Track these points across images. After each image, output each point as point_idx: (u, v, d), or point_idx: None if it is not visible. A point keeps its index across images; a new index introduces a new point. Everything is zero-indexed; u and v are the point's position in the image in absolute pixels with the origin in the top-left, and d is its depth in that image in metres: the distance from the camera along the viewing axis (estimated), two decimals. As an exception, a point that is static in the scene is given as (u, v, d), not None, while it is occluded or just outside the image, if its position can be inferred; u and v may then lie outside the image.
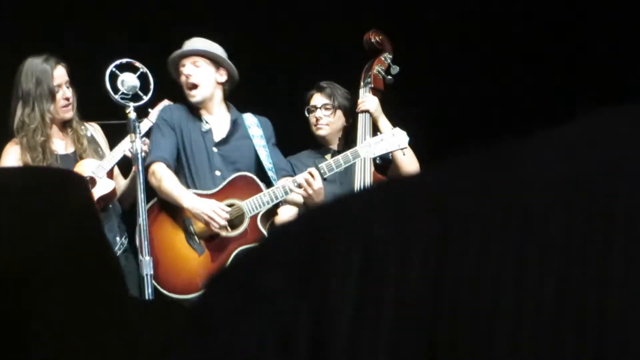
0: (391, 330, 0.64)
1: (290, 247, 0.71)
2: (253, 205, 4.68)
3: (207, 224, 4.63)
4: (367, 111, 4.93)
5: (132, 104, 4.41)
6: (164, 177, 4.70)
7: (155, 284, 4.41)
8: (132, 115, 4.39)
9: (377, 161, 4.90)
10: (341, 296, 0.65)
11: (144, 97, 4.50)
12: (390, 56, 5.00)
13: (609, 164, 0.66)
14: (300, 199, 4.72)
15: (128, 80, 4.47)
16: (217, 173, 4.80)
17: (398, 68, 4.95)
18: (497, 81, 5.86)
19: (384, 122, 4.92)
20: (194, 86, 4.80)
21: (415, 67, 5.37)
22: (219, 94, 4.90)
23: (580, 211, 0.64)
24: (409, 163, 4.80)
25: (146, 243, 4.27)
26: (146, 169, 4.60)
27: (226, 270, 0.75)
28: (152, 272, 4.24)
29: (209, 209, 4.61)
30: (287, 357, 0.65)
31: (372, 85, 4.98)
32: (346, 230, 0.69)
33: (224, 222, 4.63)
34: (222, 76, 4.87)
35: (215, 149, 4.83)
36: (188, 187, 4.74)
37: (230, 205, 4.69)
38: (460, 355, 0.62)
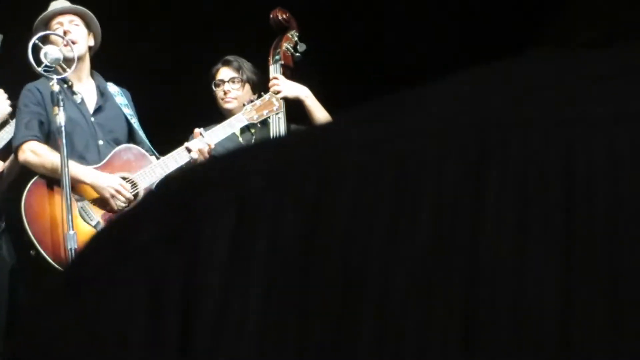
0: (263, 285, 0.58)
1: (163, 202, 0.65)
2: (146, 177, 4.37)
3: (111, 198, 4.28)
4: (285, 97, 4.74)
5: (55, 77, 4.21)
6: (47, 153, 4.29)
7: (56, 265, 4.06)
8: (56, 87, 4.16)
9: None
10: (212, 249, 0.59)
11: (68, 69, 4.29)
12: (297, 34, 4.90)
13: (493, 113, 0.61)
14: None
15: (51, 53, 4.24)
16: (100, 142, 4.46)
17: (305, 46, 4.86)
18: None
19: (311, 100, 4.74)
20: (74, 42, 4.43)
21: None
22: (87, 59, 4.56)
23: (456, 160, 0.58)
24: (320, 119, 4.69)
25: (70, 217, 3.99)
26: (16, 150, 4.31)
27: (101, 229, 0.69)
28: (76, 246, 3.93)
29: (116, 184, 4.28)
30: (157, 312, 0.59)
31: (283, 62, 4.83)
32: (220, 183, 0.63)
33: (130, 196, 4.31)
34: (91, 40, 4.56)
35: (92, 119, 4.48)
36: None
37: (123, 179, 4.38)
38: (329, 309, 0.57)
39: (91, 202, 4.25)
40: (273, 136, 4.59)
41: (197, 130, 4.48)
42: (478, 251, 0.56)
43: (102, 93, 4.55)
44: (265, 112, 4.62)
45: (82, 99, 4.48)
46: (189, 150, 4.39)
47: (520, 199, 0.57)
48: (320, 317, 0.57)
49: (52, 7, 4.53)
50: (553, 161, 0.58)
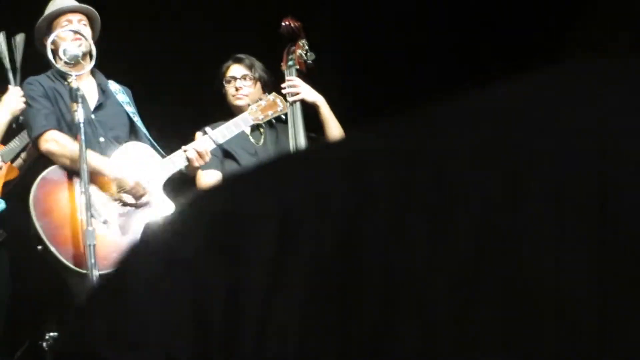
0: (305, 292, 0.61)
1: (206, 214, 0.68)
2: (154, 176, 4.29)
3: (131, 192, 4.21)
4: (302, 100, 4.70)
5: (74, 73, 4.11)
6: (69, 143, 4.15)
7: (65, 261, 3.97)
8: (75, 84, 4.06)
9: (311, 134, 4.70)
10: (256, 260, 0.62)
11: (86, 66, 4.23)
12: (307, 42, 4.91)
13: (523, 131, 0.64)
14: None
15: (70, 50, 4.18)
16: (101, 139, 4.31)
17: (314, 55, 4.86)
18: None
19: (326, 109, 4.71)
20: (81, 39, 4.31)
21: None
22: (89, 57, 4.35)
23: (495, 173, 0.62)
24: (333, 128, 4.69)
25: (88, 213, 3.88)
26: (36, 140, 4.21)
27: (143, 239, 0.71)
28: (94, 243, 3.83)
29: (134, 179, 4.21)
30: (202, 323, 0.62)
31: (298, 67, 4.79)
32: (262, 196, 0.66)
33: (145, 193, 4.22)
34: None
35: (93, 116, 4.32)
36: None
37: None
38: (369, 314, 0.60)
39: (99, 199, 4.17)
40: (292, 139, 4.62)
41: (198, 133, 4.46)
42: (518, 259, 0.59)
43: (103, 91, 4.44)
44: (270, 112, 4.60)
45: (83, 97, 4.31)
46: (187, 150, 4.32)
47: (557, 205, 0.60)
48: (360, 321, 0.60)
49: (61, 4, 4.47)
50: (587, 171, 0.60)
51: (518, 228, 0.60)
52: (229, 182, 0.76)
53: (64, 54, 4.17)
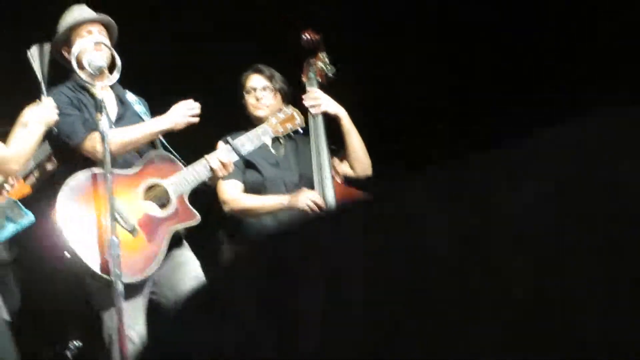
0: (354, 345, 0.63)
1: (258, 268, 0.69)
2: (178, 184, 4.26)
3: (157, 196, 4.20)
4: (324, 112, 4.69)
5: (98, 84, 4.10)
6: (118, 132, 4.18)
7: (92, 268, 3.95)
8: (99, 95, 4.04)
9: (332, 147, 4.68)
10: (307, 318, 0.64)
11: (110, 76, 4.18)
12: (327, 55, 4.89)
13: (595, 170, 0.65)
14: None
15: (95, 60, 4.15)
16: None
17: (335, 68, 4.85)
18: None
19: (347, 121, 4.70)
20: (102, 50, 4.26)
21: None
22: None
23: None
24: (355, 140, 4.69)
25: (113, 223, 3.87)
26: (81, 143, 4.18)
27: (197, 290, 0.73)
28: (119, 252, 3.84)
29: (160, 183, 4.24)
30: None
31: (319, 79, 4.79)
32: (312, 255, 0.67)
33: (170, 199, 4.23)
34: None
35: (114, 127, 4.25)
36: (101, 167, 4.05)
37: (153, 185, 4.25)
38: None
39: (128, 207, 4.14)
40: (315, 148, 4.62)
41: (220, 143, 4.44)
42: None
43: (121, 102, 4.40)
44: (289, 125, 4.58)
45: (105, 107, 4.21)
46: (212, 168, 4.30)
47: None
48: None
49: (80, 14, 4.43)
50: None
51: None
52: (276, 237, 0.77)
53: (89, 64, 4.15)
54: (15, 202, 4.11)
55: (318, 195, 4.47)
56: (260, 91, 4.75)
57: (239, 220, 4.64)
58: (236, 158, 4.39)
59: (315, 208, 4.42)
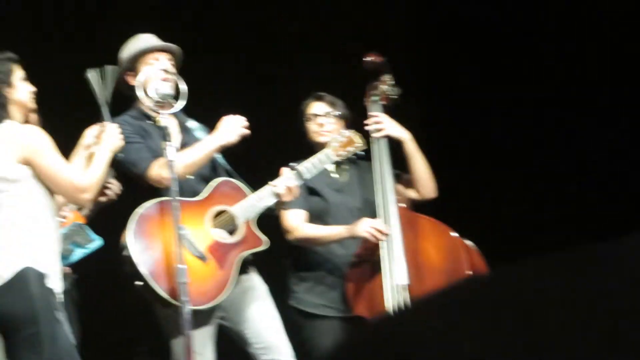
0: None
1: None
2: (245, 210, 4.25)
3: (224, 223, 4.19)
4: (387, 136, 4.64)
5: (164, 112, 4.08)
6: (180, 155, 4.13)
7: (165, 296, 3.95)
8: (164, 122, 4.04)
9: (396, 171, 4.64)
10: None
11: (175, 105, 4.14)
12: (392, 78, 4.84)
13: None
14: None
15: (161, 88, 4.12)
16: (190, 177, 4.26)
17: (399, 90, 4.79)
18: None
19: (411, 145, 4.64)
20: (168, 79, 4.24)
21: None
22: None
23: None
24: (419, 164, 4.63)
25: (180, 251, 3.86)
26: (146, 171, 4.18)
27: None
28: (187, 280, 3.83)
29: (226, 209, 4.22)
30: None
31: (382, 102, 4.74)
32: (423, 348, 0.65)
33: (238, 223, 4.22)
34: None
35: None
36: (167, 195, 4.06)
37: (221, 212, 4.24)
38: None
39: (197, 234, 4.13)
40: (378, 173, 4.56)
41: (284, 169, 4.38)
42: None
43: (184, 129, 4.38)
44: (350, 148, 4.56)
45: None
46: (278, 194, 4.27)
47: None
48: None
49: (147, 41, 4.43)
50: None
51: None
52: (383, 331, 0.77)
53: (156, 92, 4.14)
54: (82, 227, 4.10)
55: (379, 222, 4.42)
56: (323, 118, 4.73)
57: (304, 248, 4.62)
58: (301, 182, 4.37)
59: (378, 235, 4.36)
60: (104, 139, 4.01)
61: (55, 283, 3.77)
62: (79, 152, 4.02)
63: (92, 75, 4.13)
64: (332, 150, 4.53)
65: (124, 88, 4.37)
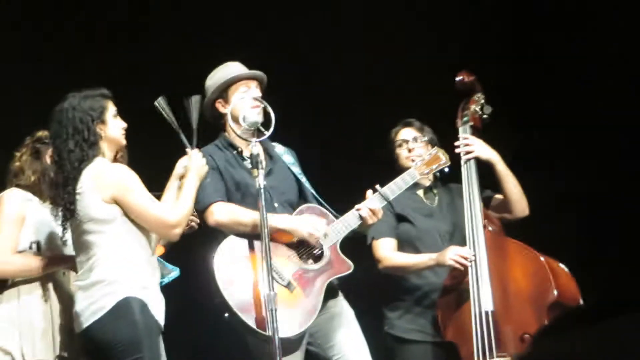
0: None
1: None
2: (330, 235, 4.20)
3: (309, 237, 4.12)
4: (476, 157, 4.55)
5: (254, 140, 4.06)
6: (237, 209, 4.14)
7: (252, 326, 3.94)
8: (255, 150, 3.98)
9: (484, 194, 4.57)
10: None
11: (265, 132, 4.10)
12: (483, 96, 4.74)
13: None
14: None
15: (250, 116, 4.13)
16: (276, 205, 4.20)
17: (491, 108, 4.69)
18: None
19: (501, 166, 4.56)
20: (257, 107, 4.23)
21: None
22: None
23: None
24: (511, 186, 4.54)
25: (270, 277, 3.80)
26: (204, 212, 4.17)
27: None
28: (276, 307, 3.76)
29: (310, 223, 4.15)
30: None
31: (472, 123, 4.66)
32: None
33: (320, 235, 4.15)
34: None
35: (265, 183, 4.05)
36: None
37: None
38: None
39: (281, 262, 4.09)
40: (467, 197, 4.46)
41: (368, 192, 4.30)
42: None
43: (270, 156, 4.33)
44: (434, 166, 4.54)
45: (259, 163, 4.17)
46: (360, 209, 4.21)
47: None
48: None
49: (237, 69, 4.38)
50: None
51: None
52: None
53: (244, 120, 4.14)
54: (158, 259, 4.11)
55: (465, 249, 4.34)
56: (412, 142, 4.72)
57: (394, 277, 4.61)
58: (384, 203, 4.33)
59: (463, 262, 4.30)
60: (189, 167, 4.01)
61: (157, 312, 3.79)
62: (172, 183, 4.04)
63: (160, 103, 4.09)
64: (415, 170, 4.50)
65: (211, 116, 4.38)
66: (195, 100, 4.14)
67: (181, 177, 4.04)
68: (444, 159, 4.56)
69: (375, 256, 4.59)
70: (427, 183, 4.76)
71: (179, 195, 3.96)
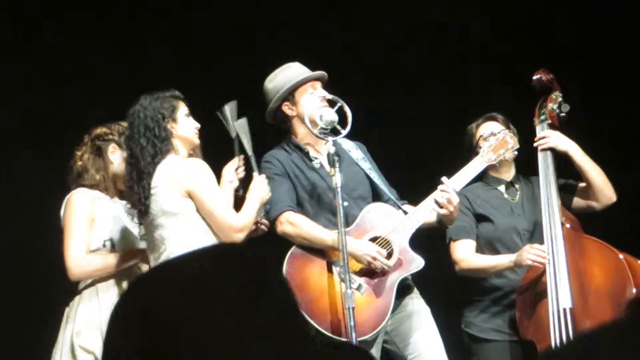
0: None
1: None
2: (398, 232, 4.12)
3: (369, 265, 4.05)
4: (553, 148, 4.43)
5: (331, 138, 4.03)
6: (303, 223, 4.10)
7: (325, 331, 3.92)
8: (332, 149, 3.98)
9: (567, 182, 4.48)
10: None
11: (342, 130, 4.08)
12: (561, 94, 4.62)
13: None
14: (433, 218, 4.21)
15: (326, 115, 4.09)
16: (345, 204, 4.08)
17: (569, 106, 4.57)
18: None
19: (580, 155, 4.43)
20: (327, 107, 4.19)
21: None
22: None
23: None
24: (592, 173, 4.41)
25: (348, 277, 3.80)
26: (274, 221, 4.15)
27: None
28: (354, 305, 3.77)
29: (373, 251, 4.04)
30: None
31: (550, 122, 4.53)
32: None
33: (387, 262, 4.05)
34: None
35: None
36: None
37: (374, 239, 4.12)
38: None
39: (351, 264, 3.98)
40: (544, 193, 4.36)
41: (443, 179, 4.24)
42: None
43: (337, 154, 4.13)
44: (502, 151, 4.36)
45: (321, 164, 4.26)
46: (436, 202, 4.10)
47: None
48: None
49: (302, 71, 4.31)
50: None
51: None
52: None
53: (321, 119, 4.10)
54: None
55: (540, 247, 4.23)
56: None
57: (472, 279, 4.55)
58: (452, 195, 4.13)
59: (540, 259, 4.21)
60: (253, 188, 4.04)
61: None
62: (224, 188, 4.05)
63: (225, 110, 4.15)
64: (482, 157, 4.36)
65: (275, 119, 4.36)
66: (232, 106, 4.18)
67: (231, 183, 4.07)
68: (511, 142, 4.40)
69: (452, 257, 4.51)
70: (509, 177, 4.65)
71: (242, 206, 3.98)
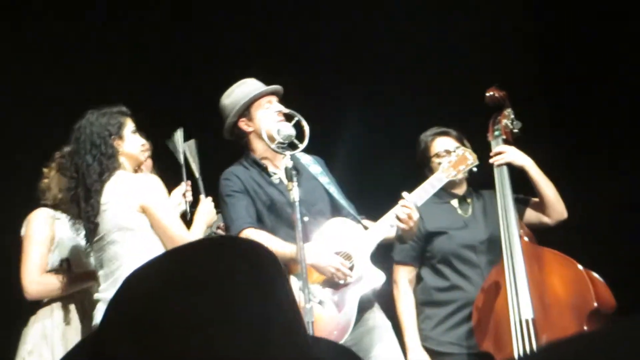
0: None
1: None
2: (360, 249, 4.12)
3: (332, 276, 4.02)
4: (509, 163, 4.43)
5: (288, 153, 3.97)
6: (263, 239, 4.00)
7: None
8: (289, 163, 3.92)
9: (519, 197, 4.47)
10: None
11: (300, 145, 4.02)
12: (512, 112, 4.63)
13: None
14: (393, 233, 4.22)
15: (284, 130, 4.04)
16: (306, 219, 4.07)
17: (520, 123, 4.58)
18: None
19: (535, 170, 4.44)
20: (284, 121, 4.16)
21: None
22: None
23: None
24: (546, 189, 4.42)
25: (307, 290, 3.72)
26: (236, 234, 4.08)
27: None
28: (313, 319, 3.69)
29: (336, 262, 4.01)
30: None
31: (504, 137, 4.54)
32: None
33: (350, 273, 4.03)
34: None
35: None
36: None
37: (336, 254, 4.09)
38: None
39: (311, 278, 3.97)
40: (502, 207, 4.35)
41: (404, 194, 4.22)
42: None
43: (295, 169, 4.09)
44: (461, 167, 4.39)
45: (280, 179, 4.24)
46: (397, 217, 4.07)
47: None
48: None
49: (257, 86, 4.30)
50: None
51: None
52: None
53: (278, 133, 4.05)
54: None
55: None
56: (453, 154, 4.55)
57: (429, 286, 4.53)
58: (411, 211, 4.12)
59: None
60: (200, 210, 4.08)
61: None
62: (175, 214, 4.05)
63: (174, 137, 4.22)
64: (442, 172, 4.37)
65: (232, 135, 4.33)
66: (179, 135, 4.29)
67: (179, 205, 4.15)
68: (471, 158, 4.43)
69: (392, 276, 4.52)
70: (461, 192, 4.66)
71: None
